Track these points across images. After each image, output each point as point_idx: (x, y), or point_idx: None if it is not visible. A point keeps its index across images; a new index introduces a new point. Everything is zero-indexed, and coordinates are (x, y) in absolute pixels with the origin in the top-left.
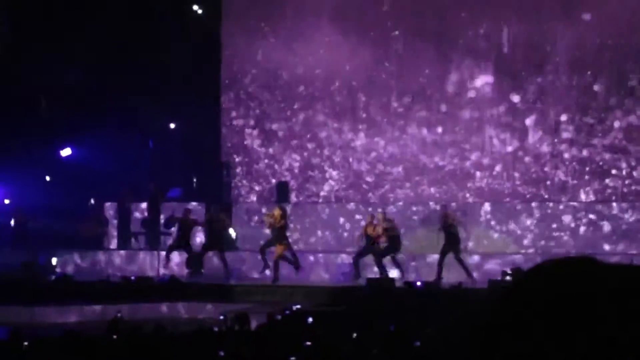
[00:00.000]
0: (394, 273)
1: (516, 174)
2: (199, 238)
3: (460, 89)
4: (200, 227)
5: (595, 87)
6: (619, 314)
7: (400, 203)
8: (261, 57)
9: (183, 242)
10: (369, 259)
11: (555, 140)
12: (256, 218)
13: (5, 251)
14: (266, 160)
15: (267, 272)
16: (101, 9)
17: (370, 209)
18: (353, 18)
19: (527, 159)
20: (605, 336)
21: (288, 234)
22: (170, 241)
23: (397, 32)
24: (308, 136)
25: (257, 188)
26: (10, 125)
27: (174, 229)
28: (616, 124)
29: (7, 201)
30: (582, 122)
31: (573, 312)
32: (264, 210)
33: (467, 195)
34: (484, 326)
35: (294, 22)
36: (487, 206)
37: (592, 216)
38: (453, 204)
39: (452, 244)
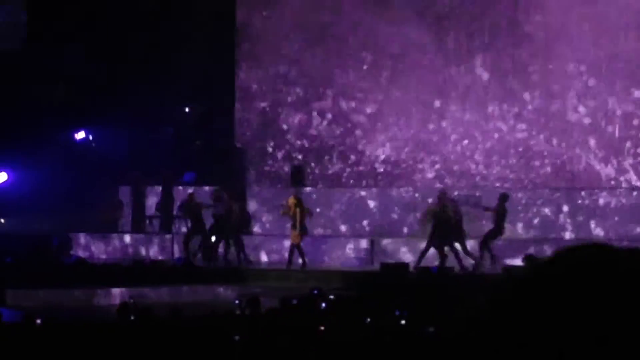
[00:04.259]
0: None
1: None
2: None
3: None
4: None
5: None
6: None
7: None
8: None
9: (198, 228)
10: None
11: None
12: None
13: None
14: (281, 145)
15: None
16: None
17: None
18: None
19: None
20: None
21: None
22: (182, 226)
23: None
24: (327, 118)
25: (270, 172)
26: (26, 108)
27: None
28: None
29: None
30: None
31: (597, 300)
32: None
33: None
34: (501, 315)
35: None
36: None
37: None
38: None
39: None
